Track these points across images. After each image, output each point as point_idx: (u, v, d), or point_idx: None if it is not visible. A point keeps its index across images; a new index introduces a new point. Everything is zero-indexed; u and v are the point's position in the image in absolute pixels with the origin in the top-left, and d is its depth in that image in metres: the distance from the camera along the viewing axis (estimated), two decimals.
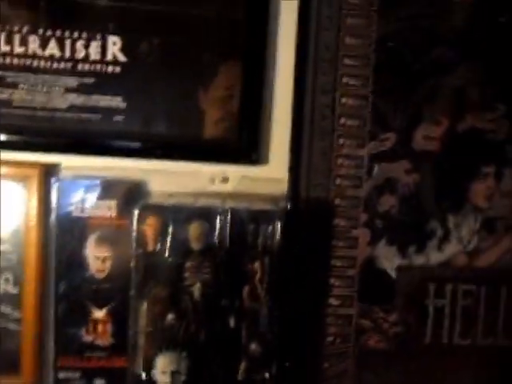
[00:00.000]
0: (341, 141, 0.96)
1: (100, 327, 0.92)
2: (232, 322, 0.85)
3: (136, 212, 0.84)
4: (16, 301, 0.91)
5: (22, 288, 0.91)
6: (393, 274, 0.99)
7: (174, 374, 0.83)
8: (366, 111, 0.95)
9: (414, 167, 0.98)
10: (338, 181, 0.96)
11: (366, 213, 0.98)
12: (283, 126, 0.95)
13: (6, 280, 0.91)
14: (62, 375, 0.92)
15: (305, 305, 0.94)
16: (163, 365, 0.83)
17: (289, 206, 0.92)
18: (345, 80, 0.95)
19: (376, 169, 0.97)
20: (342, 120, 0.95)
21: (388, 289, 0.99)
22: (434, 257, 1.00)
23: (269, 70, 0.94)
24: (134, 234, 0.84)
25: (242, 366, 0.86)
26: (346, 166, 0.96)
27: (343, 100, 0.95)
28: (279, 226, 0.87)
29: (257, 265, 0.85)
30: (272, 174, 0.96)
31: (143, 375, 0.83)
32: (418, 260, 1.00)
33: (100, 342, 0.93)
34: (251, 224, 0.86)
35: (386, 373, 1.00)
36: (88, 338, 0.92)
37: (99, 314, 0.92)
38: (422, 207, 0.99)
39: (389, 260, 0.98)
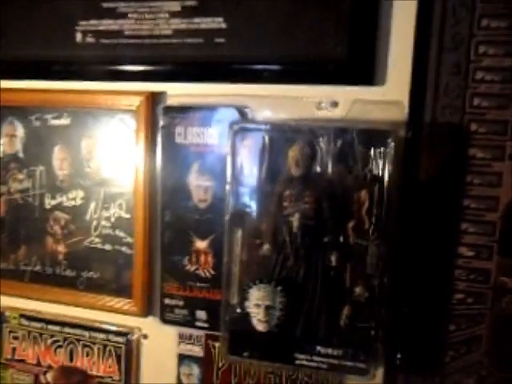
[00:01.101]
0: (481, 49, 0.76)
1: (202, 258, 0.91)
2: (334, 260, 0.75)
3: (231, 133, 0.78)
4: (128, 226, 0.95)
5: (132, 214, 0.94)
6: None
7: (268, 308, 0.76)
8: None
9: None
10: (476, 101, 0.77)
11: None
12: (403, 35, 0.79)
13: (120, 206, 0.96)
14: (167, 301, 0.94)
15: (425, 250, 0.78)
16: (257, 297, 0.77)
17: (409, 132, 0.76)
18: None
19: None
20: (484, 21, 0.75)
21: None
22: None
23: None
24: (229, 157, 0.79)
25: (345, 311, 0.76)
26: (488, 81, 0.76)
27: None
28: (394, 151, 0.72)
29: (364, 194, 0.73)
30: (390, 95, 0.81)
31: (237, 306, 0.78)
32: None
33: (202, 272, 0.91)
34: (360, 147, 0.73)
35: None
36: (191, 268, 0.92)
37: (201, 244, 0.91)
38: None
39: None
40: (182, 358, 0.97)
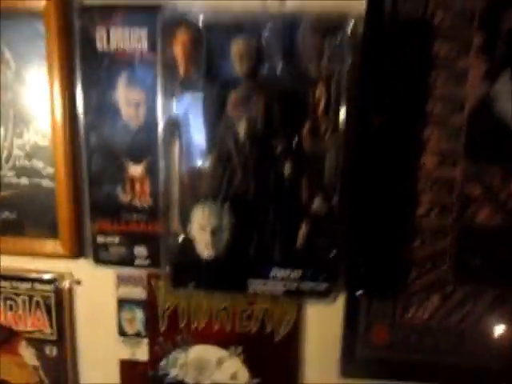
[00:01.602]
0: None
1: (137, 186, 0.79)
2: (288, 171, 0.65)
3: (160, 27, 0.65)
4: (47, 155, 0.80)
5: (51, 139, 0.79)
6: None
7: (214, 232, 0.66)
8: None
9: None
10: None
11: (482, 32, 0.69)
12: None
13: (35, 130, 0.80)
14: (100, 239, 0.81)
15: (386, 158, 0.70)
16: (201, 220, 0.67)
17: (367, 24, 0.66)
18: None
19: None
20: None
21: (509, 142, 0.71)
22: None
23: None
24: (160, 56, 0.66)
25: (302, 228, 0.67)
26: None
27: None
28: (351, 43, 0.63)
29: (320, 91, 0.63)
30: None
31: (179, 233, 0.67)
32: None
33: (138, 203, 0.79)
34: (313, 39, 0.63)
35: (495, 256, 0.75)
36: (125, 199, 0.80)
37: (136, 170, 0.78)
38: None
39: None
40: (123, 303, 0.86)
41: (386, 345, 0.81)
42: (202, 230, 0.66)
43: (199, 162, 0.66)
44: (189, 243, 0.68)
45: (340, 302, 0.78)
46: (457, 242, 0.75)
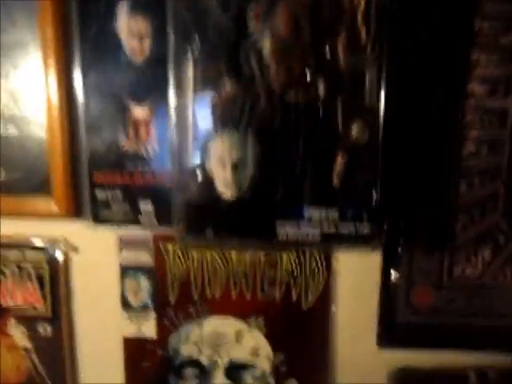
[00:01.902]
0: None
1: (142, 130, 0.69)
2: (321, 93, 0.56)
3: None
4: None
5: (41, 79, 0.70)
6: None
7: (236, 166, 0.56)
8: None
9: None
10: None
11: None
12: None
13: (25, 70, 0.71)
14: (100, 194, 0.71)
15: (430, 83, 0.61)
16: (221, 151, 0.56)
17: None
18: None
19: None
20: None
21: None
22: None
23: None
24: None
25: (338, 161, 0.57)
26: None
27: None
28: None
29: None
30: None
31: (195, 169, 0.57)
32: None
33: (143, 151, 0.69)
34: None
35: None
36: (128, 146, 0.70)
37: (140, 111, 0.68)
38: None
39: None
40: (126, 271, 0.75)
41: (430, 309, 0.70)
42: (222, 165, 0.56)
43: (217, 87, 0.56)
44: (206, 182, 0.57)
45: (377, 261, 0.68)
46: (510, 185, 0.66)
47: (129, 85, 0.68)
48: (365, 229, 0.57)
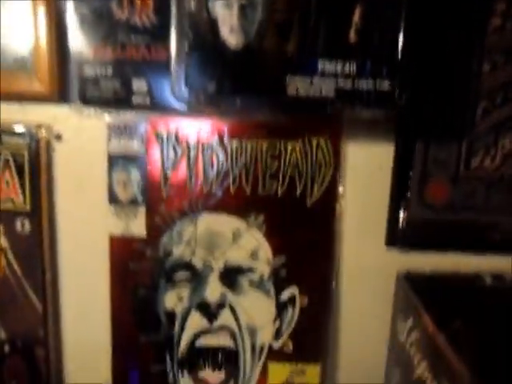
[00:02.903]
0: None
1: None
2: None
3: None
4: None
5: None
6: None
7: (244, 7, 0.50)
8: None
9: None
10: None
11: None
12: None
13: None
14: (88, 70, 0.64)
15: None
16: None
17: None
18: None
19: None
20: None
21: None
22: None
23: None
24: None
25: (357, 13, 0.51)
26: None
27: None
28: None
29: None
30: None
31: (196, 8, 0.51)
32: None
33: (138, 20, 0.63)
34: None
35: None
36: (121, 15, 0.63)
37: None
38: None
39: None
40: (115, 161, 0.68)
41: (444, 204, 0.65)
42: (228, 5, 0.50)
43: None
44: (209, 26, 0.51)
45: (389, 152, 0.63)
46: None
47: None
48: (384, 85, 0.51)
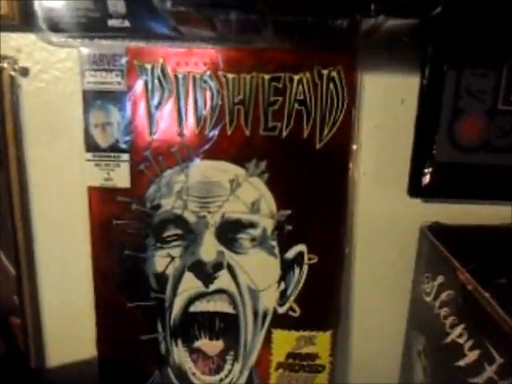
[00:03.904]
0: None
1: None
2: None
3: None
4: None
5: None
6: None
7: None
8: None
9: None
10: None
11: None
12: None
13: None
14: None
15: None
16: None
17: None
18: None
19: None
20: None
21: None
22: None
23: None
24: None
25: None
26: None
27: None
28: None
29: None
30: None
31: None
32: None
33: None
34: None
35: None
36: None
37: None
38: None
39: None
40: (91, 98, 0.58)
41: (478, 144, 0.56)
42: None
43: None
44: None
45: (413, 83, 0.53)
46: None
47: None
48: None
